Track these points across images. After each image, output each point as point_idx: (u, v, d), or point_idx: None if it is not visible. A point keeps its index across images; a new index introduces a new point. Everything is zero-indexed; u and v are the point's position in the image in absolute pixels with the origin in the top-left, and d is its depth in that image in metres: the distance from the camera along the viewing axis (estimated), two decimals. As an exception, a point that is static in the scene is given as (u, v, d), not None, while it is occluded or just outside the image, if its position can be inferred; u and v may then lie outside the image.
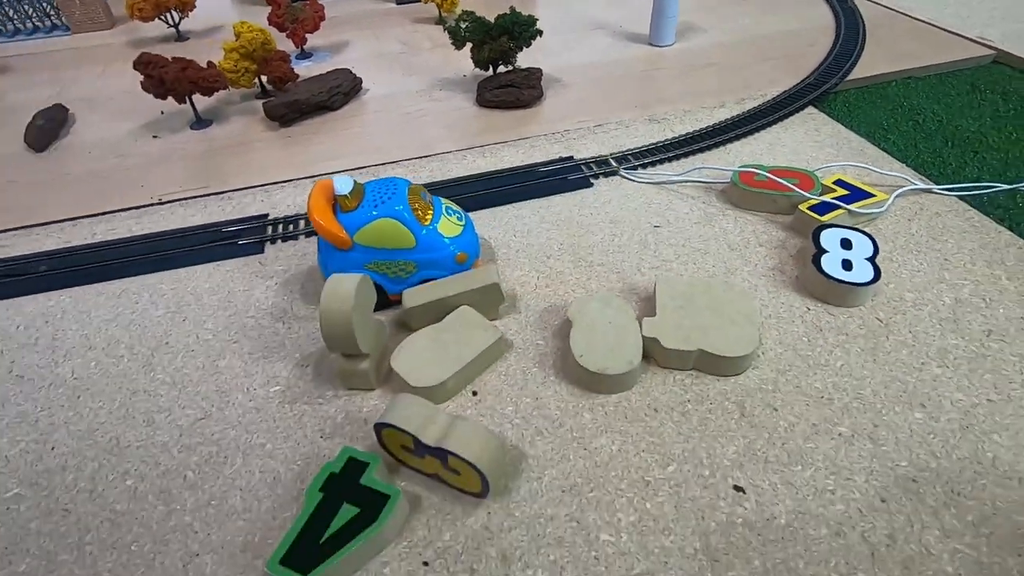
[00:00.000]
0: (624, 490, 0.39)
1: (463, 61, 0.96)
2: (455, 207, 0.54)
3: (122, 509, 0.40)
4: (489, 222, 0.63)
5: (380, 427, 0.39)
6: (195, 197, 0.70)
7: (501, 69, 0.87)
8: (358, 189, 0.49)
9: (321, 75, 0.88)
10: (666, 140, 0.75)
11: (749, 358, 0.46)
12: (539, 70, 0.86)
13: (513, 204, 0.66)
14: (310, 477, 0.41)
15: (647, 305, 0.52)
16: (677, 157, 0.72)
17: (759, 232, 0.60)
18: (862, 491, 0.39)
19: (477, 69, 0.88)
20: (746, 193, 0.62)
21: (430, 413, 0.38)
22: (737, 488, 0.39)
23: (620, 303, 0.50)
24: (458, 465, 0.37)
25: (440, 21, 1.16)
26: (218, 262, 0.60)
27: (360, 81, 0.90)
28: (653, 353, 0.47)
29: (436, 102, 0.87)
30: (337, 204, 0.49)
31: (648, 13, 1.00)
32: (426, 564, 0.36)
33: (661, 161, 0.71)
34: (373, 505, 0.36)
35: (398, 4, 1.28)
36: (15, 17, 1.19)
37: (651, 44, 1.01)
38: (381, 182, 0.50)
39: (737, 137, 0.75)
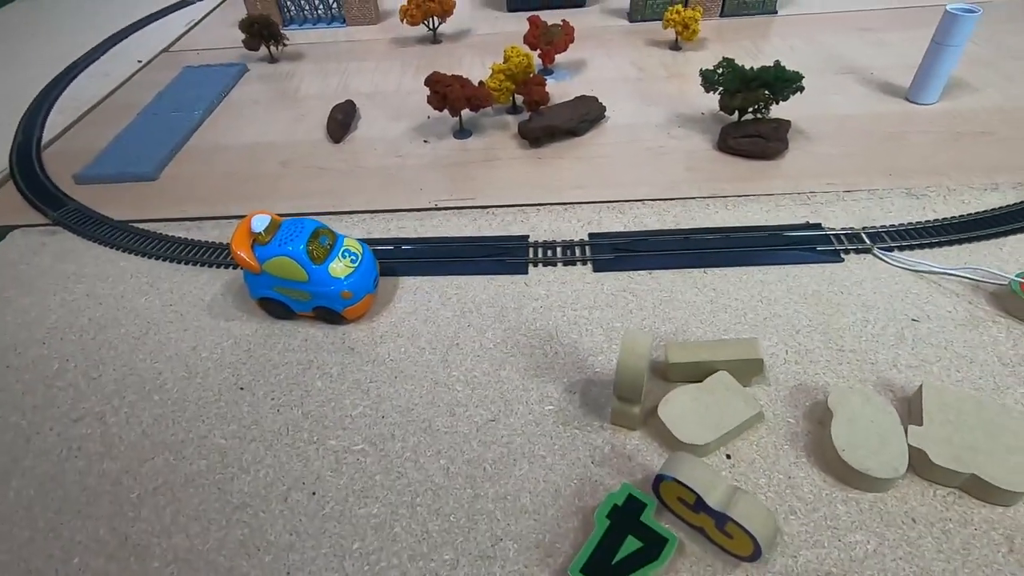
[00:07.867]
0: (881, 592, 0.42)
1: (700, 98, 0.98)
2: (356, 250, 0.65)
3: (440, 483, 0.51)
4: (735, 283, 0.67)
5: (662, 478, 0.45)
6: (464, 208, 0.81)
7: (747, 116, 0.88)
8: (272, 226, 0.62)
9: (571, 101, 0.95)
10: (926, 222, 0.72)
11: (1024, 493, 0.46)
12: (788, 123, 0.86)
13: (759, 267, 0.68)
14: (587, 497, 0.49)
15: (904, 406, 0.53)
16: (940, 244, 0.69)
17: (1038, 350, 0.57)
18: None
19: (721, 112, 0.90)
20: (1027, 305, 0.59)
21: (713, 478, 0.44)
22: (1003, 625, 0.40)
23: (882, 402, 0.51)
24: (735, 531, 0.42)
25: (675, 47, 1.18)
26: (498, 275, 0.70)
27: (604, 109, 0.96)
28: (917, 464, 0.48)
29: (675, 140, 0.91)
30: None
31: (910, 61, 0.95)
32: (692, 606, 0.42)
33: (921, 246, 0.69)
34: (654, 544, 0.43)
35: (631, 22, 1.31)
36: (306, 8, 1.40)
37: (909, 100, 0.95)
38: (294, 222, 0.63)
39: (1015, 231, 0.70)
